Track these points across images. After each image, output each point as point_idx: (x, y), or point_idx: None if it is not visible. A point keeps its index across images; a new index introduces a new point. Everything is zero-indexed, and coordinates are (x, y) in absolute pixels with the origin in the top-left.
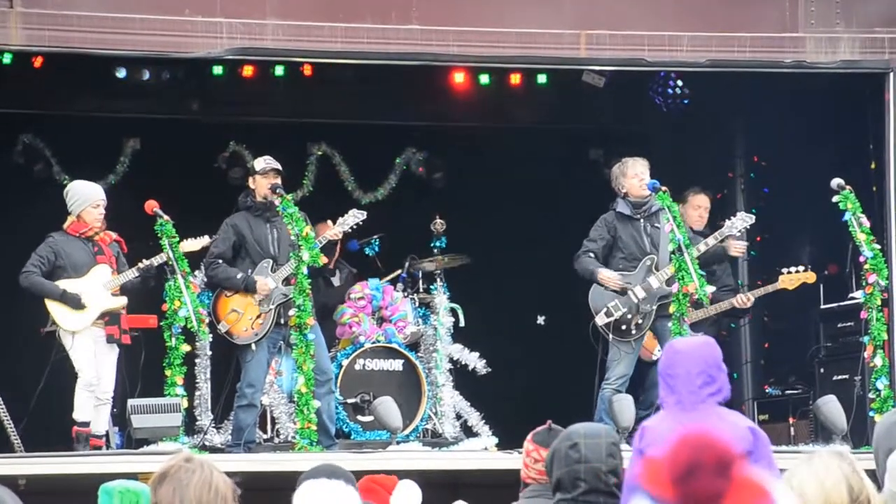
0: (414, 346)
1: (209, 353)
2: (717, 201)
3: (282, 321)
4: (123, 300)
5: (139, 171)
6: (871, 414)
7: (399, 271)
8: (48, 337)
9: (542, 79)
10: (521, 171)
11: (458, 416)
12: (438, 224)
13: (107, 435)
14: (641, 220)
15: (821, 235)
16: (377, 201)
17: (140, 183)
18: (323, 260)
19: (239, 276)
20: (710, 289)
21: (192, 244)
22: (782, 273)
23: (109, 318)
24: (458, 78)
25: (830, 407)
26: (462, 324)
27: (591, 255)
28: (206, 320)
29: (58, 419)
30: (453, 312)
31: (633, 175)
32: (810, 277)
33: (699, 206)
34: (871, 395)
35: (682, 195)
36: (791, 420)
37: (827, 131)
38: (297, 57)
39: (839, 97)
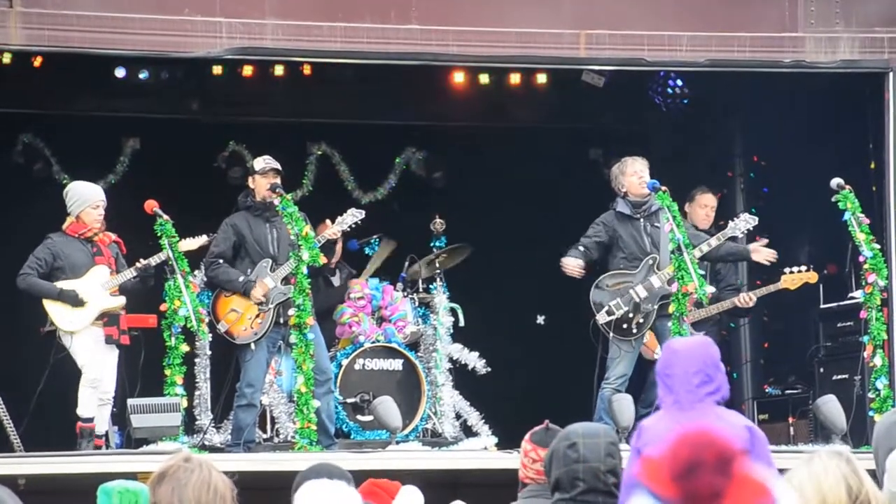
0: (414, 345)
1: (209, 352)
2: (717, 201)
3: (281, 321)
4: (122, 300)
5: (139, 171)
6: (870, 414)
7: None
8: (48, 337)
9: (541, 78)
10: (521, 170)
11: (458, 416)
12: (438, 224)
13: (106, 434)
14: (641, 220)
15: (820, 235)
16: (377, 201)
17: (140, 182)
18: (323, 260)
19: (240, 279)
20: (710, 289)
21: (190, 243)
22: (784, 273)
23: (108, 318)
24: (458, 78)
25: (830, 407)
26: (462, 323)
27: (581, 248)
28: (206, 320)
29: (58, 419)
30: (453, 312)
31: (633, 173)
32: (812, 277)
33: (706, 205)
34: (870, 395)
35: (690, 194)
36: (791, 420)
37: (826, 131)
38: (297, 57)
39: (839, 97)
